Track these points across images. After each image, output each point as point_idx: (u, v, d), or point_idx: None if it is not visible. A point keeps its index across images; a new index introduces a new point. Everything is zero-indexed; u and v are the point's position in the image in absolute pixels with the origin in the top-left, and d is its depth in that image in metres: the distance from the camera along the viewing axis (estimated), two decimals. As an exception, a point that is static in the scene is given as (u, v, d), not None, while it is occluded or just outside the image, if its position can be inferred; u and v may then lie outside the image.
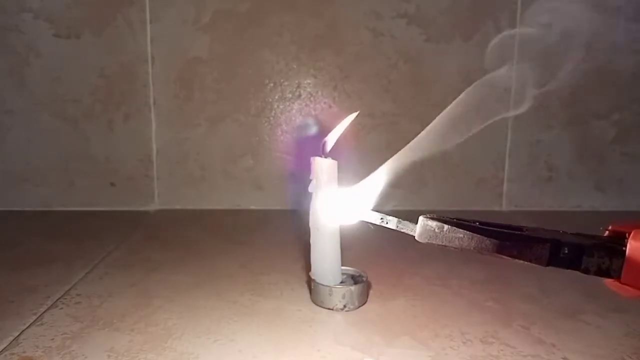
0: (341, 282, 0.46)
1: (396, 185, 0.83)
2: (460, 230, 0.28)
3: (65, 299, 0.47)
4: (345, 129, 0.47)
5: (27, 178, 0.81)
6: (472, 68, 0.80)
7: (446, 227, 0.29)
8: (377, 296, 0.48)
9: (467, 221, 0.29)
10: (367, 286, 0.47)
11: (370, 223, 0.35)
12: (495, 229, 0.28)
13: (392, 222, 0.32)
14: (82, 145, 0.81)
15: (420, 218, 0.30)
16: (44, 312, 0.44)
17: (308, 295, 0.48)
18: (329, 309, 0.45)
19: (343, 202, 0.37)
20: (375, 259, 0.58)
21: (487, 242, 0.27)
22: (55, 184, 0.81)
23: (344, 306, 0.45)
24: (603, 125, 0.83)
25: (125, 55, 0.79)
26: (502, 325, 0.43)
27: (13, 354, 0.37)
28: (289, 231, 0.71)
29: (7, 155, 0.80)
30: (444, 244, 0.29)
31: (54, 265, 0.56)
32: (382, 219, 0.33)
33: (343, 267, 0.47)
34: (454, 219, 0.29)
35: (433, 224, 0.29)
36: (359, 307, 0.46)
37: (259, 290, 0.50)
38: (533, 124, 0.83)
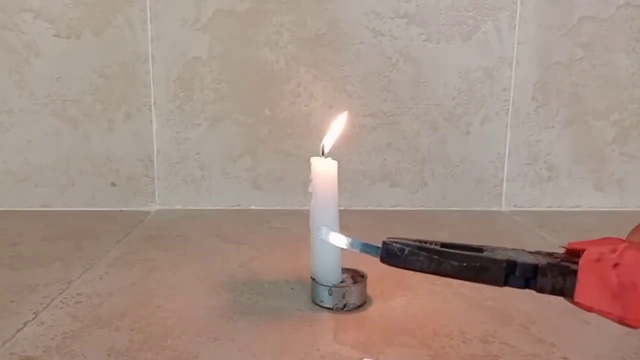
0: (341, 282, 0.46)
1: (396, 185, 0.83)
2: (421, 253, 0.29)
3: (65, 298, 0.47)
4: (341, 129, 0.47)
5: (27, 178, 0.81)
6: (472, 68, 0.80)
7: (407, 249, 0.29)
8: (377, 296, 0.48)
9: (429, 242, 0.30)
10: (367, 286, 0.47)
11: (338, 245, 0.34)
12: (454, 251, 0.28)
13: (357, 245, 0.32)
14: (82, 145, 0.81)
15: (383, 241, 0.30)
16: (44, 311, 0.44)
17: (308, 295, 0.48)
18: (329, 308, 0.45)
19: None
20: (375, 258, 0.58)
21: (445, 264, 0.28)
22: (55, 184, 0.81)
23: (344, 306, 0.45)
24: (603, 125, 0.83)
25: (125, 55, 0.79)
26: (502, 324, 0.43)
27: (13, 353, 0.37)
28: (289, 231, 0.71)
29: (7, 155, 0.80)
30: (406, 266, 0.29)
31: (54, 265, 0.56)
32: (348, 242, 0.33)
33: (343, 267, 0.47)
34: (416, 241, 0.30)
35: (395, 247, 0.29)
36: (359, 307, 0.46)
37: (259, 290, 0.50)
38: (533, 124, 0.83)
